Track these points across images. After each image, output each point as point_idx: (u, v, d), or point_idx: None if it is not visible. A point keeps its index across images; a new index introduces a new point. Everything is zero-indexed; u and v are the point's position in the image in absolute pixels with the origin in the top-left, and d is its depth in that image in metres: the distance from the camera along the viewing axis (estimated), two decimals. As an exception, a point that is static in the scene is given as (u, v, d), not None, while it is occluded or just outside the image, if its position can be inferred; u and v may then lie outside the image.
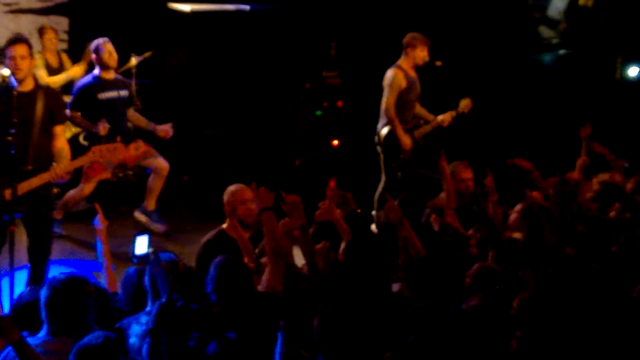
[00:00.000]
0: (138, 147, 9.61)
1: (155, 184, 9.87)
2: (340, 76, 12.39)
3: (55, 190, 10.40)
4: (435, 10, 12.22)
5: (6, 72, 7.34)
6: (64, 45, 12.12)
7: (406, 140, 9.89)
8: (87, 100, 9.55)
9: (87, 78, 9.72)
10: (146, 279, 6.15)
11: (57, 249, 8.91)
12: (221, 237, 7.41)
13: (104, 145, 7.61)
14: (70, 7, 12.38)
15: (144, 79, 11.51)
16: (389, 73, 9.91)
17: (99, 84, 9.59)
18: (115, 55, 9.63)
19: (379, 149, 10.08)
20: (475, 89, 11.03)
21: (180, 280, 5.92)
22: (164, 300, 5.00)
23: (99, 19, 12.15)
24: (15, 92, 7.20)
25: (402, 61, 9.95)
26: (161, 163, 9.85)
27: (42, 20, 12.11)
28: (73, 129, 10.60)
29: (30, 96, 7.27)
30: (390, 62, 10.08)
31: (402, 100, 9.88)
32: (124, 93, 9.74)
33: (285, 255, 6.39)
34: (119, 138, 7.60)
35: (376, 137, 10.06)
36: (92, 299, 5.45)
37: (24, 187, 7.15)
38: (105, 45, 9.59)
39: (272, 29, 11.90)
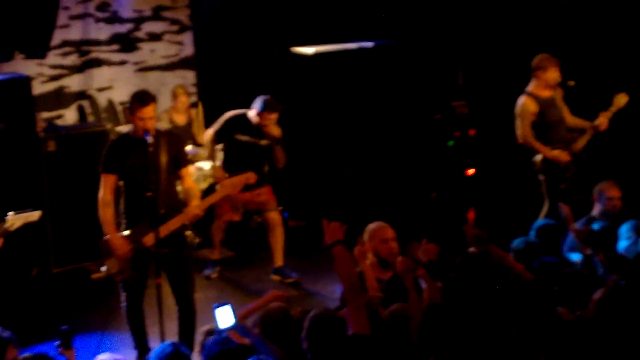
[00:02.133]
0: (260, 194, 9.70)
1: (275, 241, 9.81)
2: (468, 105, 12.25)
3: (196, 240, 10.59)
4: (563, 30, 11.96)
5: (125, 129, 7.51)
6: (193, 98, 12.30)
7: (561, 156, 9.48)
8: (226, 135, 9.66)
9: (235, 113, 9.70)
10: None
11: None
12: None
13: (234, 178, 7.81)
14: (195, 60, 12.58)
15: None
16: (519, 101, 9.66)
17: (243, 125, 9.58)
18: (272, 127, 9.50)
19: (541, 177, 9.74)
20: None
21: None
22: None
23: (225, 69, 12.31)
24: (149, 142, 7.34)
25: (532, 86, 9.65)
26: (274, 218, 9.80)
27: (169, 75, 12.33)
28: (209, 180, 10.72)
29: (155, 145, 7.38)
30: (519, 85, 9.88)
31: (544, 124, 9.54)
32: (263, 142, 9.62)
33: (361, 291, 5.99)
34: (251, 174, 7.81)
35: (534, 167, 9.73)
36: None
37: (163, 230, 7.28)
38: (268, 116, 9.44)
39: (396, 62, 11.85)
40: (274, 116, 9.44)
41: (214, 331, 6.08)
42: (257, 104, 9.47)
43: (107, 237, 7.51)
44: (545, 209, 9.59)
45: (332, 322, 5.55)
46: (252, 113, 9.51)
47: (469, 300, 6.08)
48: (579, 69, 10.77)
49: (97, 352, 6.95)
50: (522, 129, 9.52)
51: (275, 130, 9.53)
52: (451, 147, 12.04)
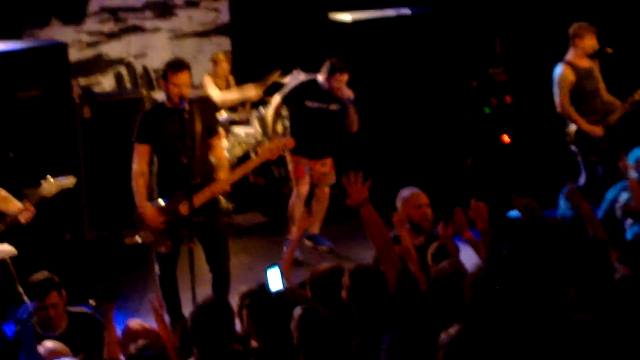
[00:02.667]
0: (324, 164, 9.61)
1: (318, 210, 9.72)
2: (506, 72, 12.14)
3: (231, 206, 10.60)
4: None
5: (160, 95, 7.50)
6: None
7: (594, 129, 9.47)
8: (295, 102, 9.51)
9: (304, 79, 9.63)
10: None
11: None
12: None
13: (271, 143, 7.78)
14: (231, 26, 12.55)
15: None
16: (557, 70, 9.63)
17: (313, 90, 9.40)
18: (344, 89, 9.26)
19: (573, 148, 9.73)
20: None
21: None
22: None
23: (261, 35, 12.28)
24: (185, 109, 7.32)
25: (570, 54, 9.63)
26: (325, 190, 9.73)
27: (205, 42, 12.32)
28: (244, 146, 10.72)
29: (189, 113, 7.35)
30: (557, 53, 9.81)
31: (580, 93, 9.54)
32: (333, 107, 9.39)
33: (392, 249, 6.00)
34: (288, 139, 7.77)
35: (567, 137, 9.72)
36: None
37: (198, 199, 7.29)
38: (339, 77, 9.22)
39: (435, 30, 11.76)
40: (345, 77, 9.22)
41: (250, 292, 6.06)
42: (325, 68, 9.28)
43: (141, 209, 7.53)
44: (582, 180, 9.57)
45: (374, 275, 5.56)
46: (321, 78, 9.34)
47: (520, 263, 6.05)
48: (617, 37, 10.65)
49: (130, 317, 7.03)
50: (560, 97, 9.50)
51: (348, 92, 9.31)
52: (487, 114, 11.95)
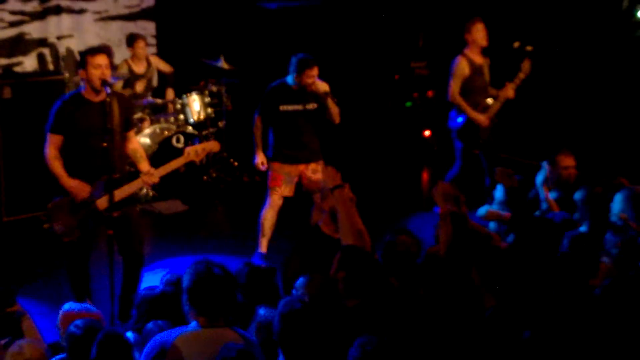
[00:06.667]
0: (316, 171, 8.90)
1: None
2: (428, 66, 12.27)
3: (151, 193, 10.56)
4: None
5: (82, 80, 7.38)
6: (153, 50, 12.22)
7: (481, 118, 9.86)
8: (269, 110, 8.80)
9: (275, 83, 8.85)
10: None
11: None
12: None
13: (198, 145, 7.65)
14: (157, 11, 12.48)
15: (233, 78, 11.56)
16: (455, 61, 9.97)
17: (285, 93, 8.75)
18: (318, 83, 8.66)
19: (457, 141, 10.01)
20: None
21: None
22: None
23: (186, 21, 12.23)
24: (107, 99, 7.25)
25: (468, 48, 9.99)
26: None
27: (130, 25, 12.22)
28: (166, 132, 10.67)
29: (108, 104, 7.27)
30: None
31: (469, 87, 9.92)
32: (310, 106, 8.79)
33: (363, 232, 6.09)
34: (214, 142, 7.70)
35: (452, 132, 10.00)
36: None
37: (119, 194, 7.21)
38: (310, 73, 8.58)
39: (358, 22, 11.84)
40: (315, 72, 8.62)
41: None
42: (292, 67, 8.67)
43: (57, 199, 7.37)
44: (455, 170, 10.02)
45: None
46: (290, 78, 8.74)
47: None
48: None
49: (54, 303, 6.96)
50: (453, 87, 9.91)
51: (323, 86, 8.73)
52: (409, 108, 12.07)
